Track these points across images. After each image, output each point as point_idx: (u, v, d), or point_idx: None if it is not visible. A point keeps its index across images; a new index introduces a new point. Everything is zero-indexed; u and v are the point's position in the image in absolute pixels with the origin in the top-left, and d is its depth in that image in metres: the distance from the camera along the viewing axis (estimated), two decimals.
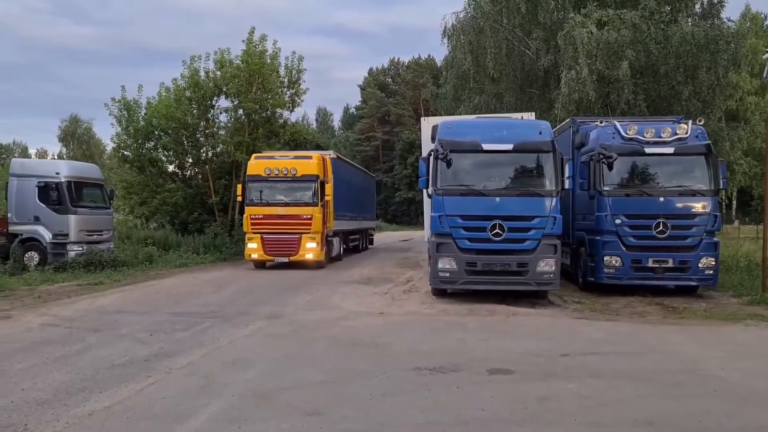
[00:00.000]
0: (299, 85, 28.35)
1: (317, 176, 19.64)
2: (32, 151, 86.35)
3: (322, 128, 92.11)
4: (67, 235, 18.99)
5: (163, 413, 5.74)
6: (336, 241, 22.20)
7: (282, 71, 27.62)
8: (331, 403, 6.01)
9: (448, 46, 27.31)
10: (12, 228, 19.13)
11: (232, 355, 8.10)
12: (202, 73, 26.48)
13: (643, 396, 6.27)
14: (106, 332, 9.59)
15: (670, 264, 13.10)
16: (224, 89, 26.40)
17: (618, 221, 13.25)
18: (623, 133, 13.41)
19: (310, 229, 19.47)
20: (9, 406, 5.91)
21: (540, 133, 12.64)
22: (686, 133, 13.23)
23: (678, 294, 13.56)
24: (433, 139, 13.32)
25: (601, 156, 13.31)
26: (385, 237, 44.66)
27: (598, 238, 13.53)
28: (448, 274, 12.55)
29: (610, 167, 13.34)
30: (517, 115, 15.65)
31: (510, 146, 12.41)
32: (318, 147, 32.55)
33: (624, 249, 13.19)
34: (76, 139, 78.92)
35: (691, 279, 13.16)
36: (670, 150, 13.20)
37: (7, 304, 12.61)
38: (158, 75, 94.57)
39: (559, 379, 6.84)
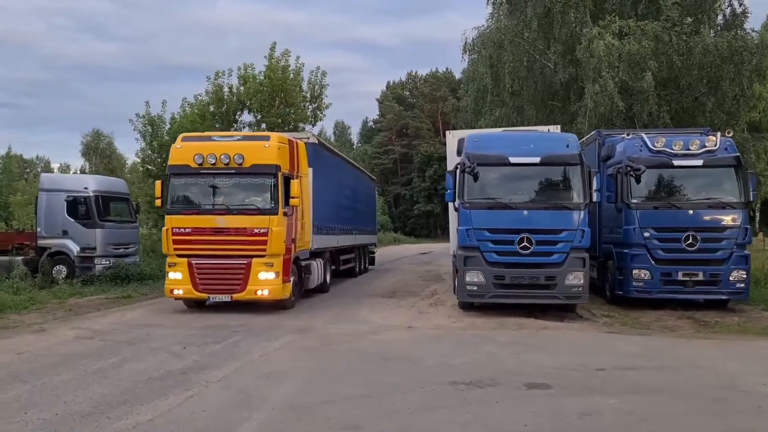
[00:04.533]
0: (322, 99, 28.64)
1: (277, 167, 12.60)
2: (55, 166, 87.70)
3: (340, 142, 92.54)
4: (94, 248, 19.21)
5: (205, 426, 5.79)
6: (317, 265, 15.38)
7: (305, 86, 27.91)
8: (370, 418, 6.02)
9: (468, 61, 27.42)
10: (41, 242, 19.41)
11: (266, 369, 8.14)
12: (226, 89, 26.79)
13: (685, 412, 6.21)
14: (139, 345, 9.69)
15: (701, 277, 12.96)
16: (248, 104, 26.69)
17: (646, 234, 13.14)
18: (651, 146, 13.34)
19: (264, 249, 12.44)
20: (54, 418, 5.99)
21: (567, 146, 12.64)
22: (715, 146, 13.12)
23: (708, 308, 13.36)
24: (459, 153, 13.37)
25: (629, 168, 13.24)
26: (405, 250, 44.61)
27: (626, 251, 13.42)
28: (476, 288, 12.51)
29: (638, 180, 13.25)
30: (544, 128, 15.64)
31: (537, 159, 12.40)
32: None
33: (653, 262, 13.07)
34: (99, 153, 79.99)
35: (722, 292, 13.00)
36: (699, 162, 13.10)
37: (39, 317, 12.79)
38: (180, 90, 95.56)
39: (598, 394, 6.79)
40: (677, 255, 13.00)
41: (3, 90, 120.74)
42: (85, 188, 19.58)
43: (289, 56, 26.82)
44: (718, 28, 24.20)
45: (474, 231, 12.46)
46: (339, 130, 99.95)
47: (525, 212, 12.33)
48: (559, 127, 16.40)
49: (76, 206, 19.27)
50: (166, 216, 13.03)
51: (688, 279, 13.00)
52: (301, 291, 14.50)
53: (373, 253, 26.46)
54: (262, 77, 26.51)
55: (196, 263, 12.68)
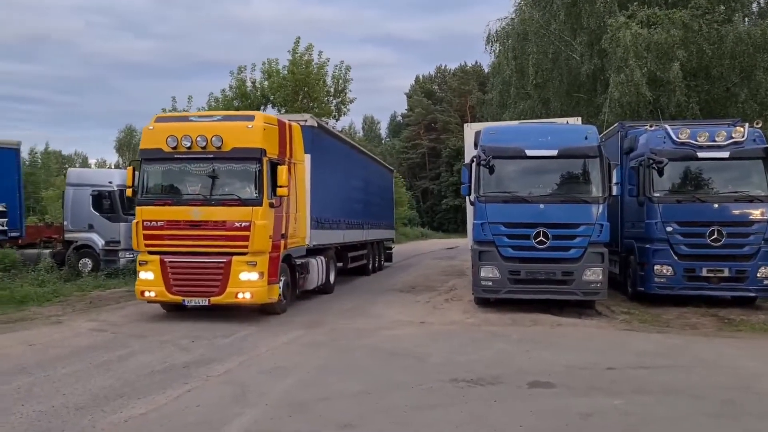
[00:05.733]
0: (345, 94, 28.58)
1: (261, 151, 11.06)
2: (92, 161, 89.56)
3: (368, 136, 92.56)
4: (118, 242, 19.47)
5: (196, 422, 5.75)
6: (316, 263, 14.03)
7: (329, 80, 27.88)
8: (365, 415, 5.92)
9: (491, 53, 27.07)
10: (67, 235, 19.74)
11: (270, 364, 8.10)
12: (249, 84, 26.90)
13: (694, 414, 5.95)
14: (149, 338, 9.74)
15: (726, 273, 12.50)
16: (271, 98, 26.77)
17: (669, 229, 12.74)
18: (675, 137, 12.91)
19: (246, 246, 10.93)
20: (50, 411, 6.03)
21: (586, 138, 12.30)
22: (742, 137, 12.63)
23: (734, 305, 12.92)
24: (476, 146, 13.12)
25: (651, 161, 12.84)
26: (431, 244, 44.42)
27: (647, 246, 13.04)
28: (490, 283, 12.29)
29: (661, 173, 12.83)
30: (563, 120, 15.30)
31: (555, 152, 12.10)
32: None
33: (676, 258, 12.66)
34: (131, 149, 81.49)
35: (749, 290, 12.53)
36: (725, 154, 12.63)
37: (59, 310, 12.98)
38: (213, 86, 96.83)
39: (603, 394, 6.57)
40: (701, 250, 12.56)
41: (43, 87, 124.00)
42: (110, 182, 19.83)
43: (313, 51, 26.82)
44: (753, 16, 23.42)
45: (489, 225, 12.23)
46: (368, 124, 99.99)
47: (541, 206, 12.05)
48: (579, 119, 16.02)
49: (101, 200, 19.54)
50: (137, 207, 11.55)
51: (712, 275, 12.56)
52: (295, 293, 12.97)
53: (390, 249, 25.19)
54: (285, 72, 26.58)
55: (170, 261, 11.15)
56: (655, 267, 12.80)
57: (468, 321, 11.68)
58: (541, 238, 11.92)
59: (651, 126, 13.98)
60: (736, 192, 12.71)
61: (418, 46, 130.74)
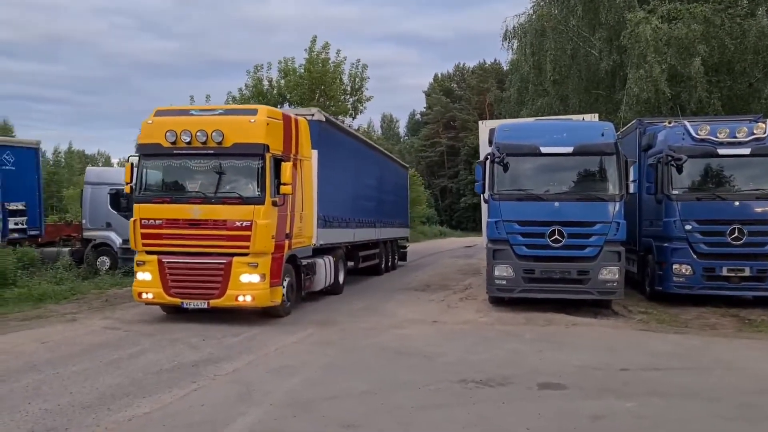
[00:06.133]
0: (362, 92, 28.55)
1: (264, 147, 10.55)
2: (114, 161, 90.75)
3: (387, 135, 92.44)
4: None
5: (200, 421, 5.71)
6: (324, 263, 13.51)
7: (345, 79, 27.87)
8: (369, 415, 5.83)
9: (508, 50, 26.80)
10: (86, 234, 19.92)
11: (277, 363, 8.06)
12: (266, 82, 26.97)
13: (708, 417, 5.78)
14: (160, 336, 9.74)
15: (747, 273, 12.21)
16: (288, 97, 26.82)
17: (688, 227, 12.47)
18: (694, 134, 12.62)
19: (247, 246, 10.46)
20: (55, 409, 6.03)
21: (602, 135, 12.08)
22: (764, 133, 12.31)
23: (757, 305, 12.57)
24: (490, 143, 12.96)
25: (670, 158, 12.58)
26: (449, 243, 44.19)
27: (666, 244, 12.79)
28: (504, 282, 12.14)
29: (680, 170, 12.57)
30: (579, 117, 15.06)
31: (570, 149, 11.91)
32: None
33: (695, 257, 12.39)
34: None
35: None
36: (746, 151, 12.33)
37: (75, 308, 13.08)
38: (232, 85, 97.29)
39: (615, 396, 6.41)
40: (721, 249, 12.28)
41: (66, 87, 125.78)
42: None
43: (329, 49, 26.84)
44: None
45: (503, 223, 12.08)
46: (386, 123, 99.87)
47: (556, 204, 11.87)
48: (597, 115, 15.78)
49: (119, 199, 19.64)
50: (135, 205, 11.06)
51: (733, 275, 12.27)
52: (301, 295, 12.47)
53: (405, 248, 24.67)
54: (302, 70, 26.62)
55: (168, 262, 10.68)
56: (674, 266, 12.54)
57: (481, 320, 11.55)
58: (556, 236, 11.74)
59: (669, 122, 13.71)
60: (757, 189, 12.40)
61: (437, 44, 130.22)
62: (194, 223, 10.62)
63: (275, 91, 26.80)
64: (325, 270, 13.52)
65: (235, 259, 10.47)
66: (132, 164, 11.08)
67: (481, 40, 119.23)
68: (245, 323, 10.82)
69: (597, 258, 11.72)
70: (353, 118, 28.89)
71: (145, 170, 11.09)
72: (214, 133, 10.45)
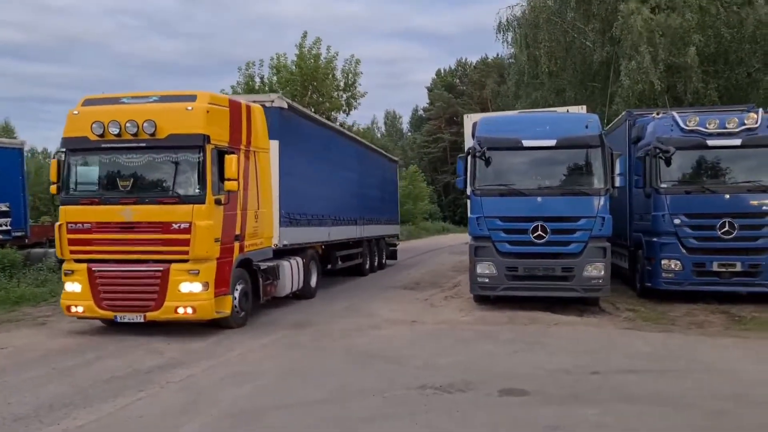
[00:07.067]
0: (356, 88, 28.21)
1: (204, 137, 9.36)
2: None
3: (391, 131, 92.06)
4: None
5: None
6: (290, 266, 12.31)
7: (339, 74, 27.54)
8: (313, 427, 5.51)
9: (503, 42, 26.34)
10: None
11: (236, 368, 7.74)
12: (258, 80, 26.69)
13: (676, 426, 5.41)
14: (125, 340, 9.35)
15: (738, 268, 11.80)
16: (280, 93, 26.47)
17: (677, 221, 12.05)
18: (682, 125, 12.20)
19: (187, 252, 9.30)
20: None
21: (586, 127, 11.67)
22: (756, 123, 11.87)
23: (749, 301, 12.13)
24: (473, 137, 12.61)
25: (658, 150, 12.16)
26: (451, 239, 43.75)
27: (655, 239, 12.38)
28: (487, 280, 11.77)
29: (668, 162, 12.15)
30: (563, 109, 14.65)
31: (553, 142, 11.51)
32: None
33: (684, 251, 11.98)
34: None
35: (763, 284, 11.78)
36: (737, 142, 11.89)
37: (50, 311, 12.78)
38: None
39: (580, 403, 6.04)
40: (711, 244, 11.88)
41: (77, 88, 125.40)
42: None
43: (321, 45, 26.50)
44: None
45: (485, 219, 11.72)
46: (390, 119, 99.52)
47: (539, 199, 11.49)
48: (584, 107, 15.34)
49: None
50: (60, 207, 9.82)
51: (723, 270, 11.86)
52: (258, 302, 11.12)
53: (395, 245, 23.45)
54: (293, 67, 26.30)
55: (99, 271, 9.53)
56: (663, 261, 12.14)
57: (462, 319, 11.22)
58: (539, 232, 11.38)
59: (658, 113, 13.28)
60: (749, 182, 11.97)
61: (445, 40, 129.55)
62: (127, 227, 9.48)
63: (267, 88, 26.48)
64: (291, 273, 12.38)
65: (174, 266, 9.33)
66: (58, 161, 9.86)
67: (487, 35, 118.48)
68: (218, 325, 10.43)
69: (582, 254, 11.34)
70: (347, 114, 28.61)
71: (70, 168, 9.84)
72: (145, 124, 9.26)
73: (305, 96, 26.08)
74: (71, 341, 9.54)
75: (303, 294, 13.41)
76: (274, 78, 26.65)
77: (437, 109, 77.42)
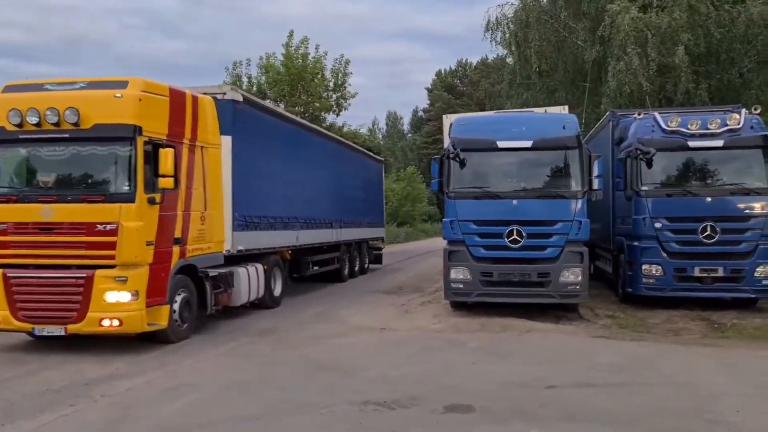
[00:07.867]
0: (345, 88, 27.93)
1: (134, 128, 8.42)
2: None
3: (391, 132, 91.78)
4: None
5: None
6: (248, 273, 11.41)
7: (328, 74, 27.25)
8: None
9: (491, 41, 25.88)
10: None
11: (182, 380, 7.40)
12: (245, 79, 26.41)
13: None
14: (79, 351, 8.83)
15: (721, 273, 11.41)
16: (268, 93, 26.24)
17: (658, 225, 11.68)
18: (664, 126, 11.82)
19: (113, 256, 8.35)
20: None
21: (564, 128, 11.32)
22: (738, 124, 11.49)
23: (732, 307, 11.70)
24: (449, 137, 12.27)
25: (639, 152, 11.77)
26: None
27: (636, 243, 11.99)
28: (461, 286, 11.43)
29: (649, 164, 11.76)
30: (541, 109, 14.28)
31: (529, 143, 11.17)
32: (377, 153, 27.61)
33: (665, 256, 11.60)
34: None
35: (746, 290, 11.40)
36: (719, 143, 11.51)
37: None
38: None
39: (524, 421, 5.69)
40: (693, 248, 11.50)
41: None
42: None
43: (308, 44, 26.23)
44: None
45: (459, 223, 11.37)
46: (391, 120, 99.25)
47: (514, 202, 11.14)
48: (566, 107, 14.97)
49: None
50: None
51: (705, 275, 11.47)
52: (204, 313, 10.18)
53: (379, 249, 22.40)
54: (281, 67, 26.04)
55: (14, 277, 8.52)
56: (643, 266, 11.76)
57: (433, 327, 10.88)
58: (514, 236, 11.02)
59: (640, 114, 12.89)
60: (732, 184, 11.59)
61: (448, 40, 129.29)
62: (46, 228, 8.47)
63: (255, 88, 26.23)
64: (249, 281, 11.40)
65: (99, 272, 8.33)
66: None
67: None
68: (155, 339, 9.48)
69: (558, 259, 11.00)
70: (337, 115, 28.33)
71: None
72: (67, 112, 8.27)
73: (294, 96, 25.82)
74: (22, 350, 9.17)
75: (264, 303, 12.55)
76: (263, 78, 26.38)
77: (437, 110, 76.91)
